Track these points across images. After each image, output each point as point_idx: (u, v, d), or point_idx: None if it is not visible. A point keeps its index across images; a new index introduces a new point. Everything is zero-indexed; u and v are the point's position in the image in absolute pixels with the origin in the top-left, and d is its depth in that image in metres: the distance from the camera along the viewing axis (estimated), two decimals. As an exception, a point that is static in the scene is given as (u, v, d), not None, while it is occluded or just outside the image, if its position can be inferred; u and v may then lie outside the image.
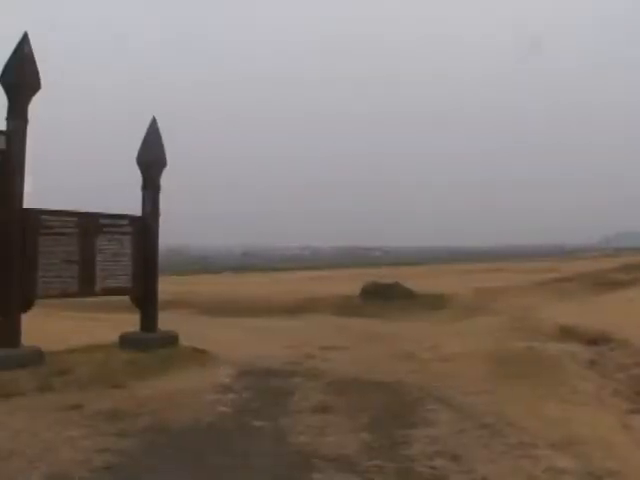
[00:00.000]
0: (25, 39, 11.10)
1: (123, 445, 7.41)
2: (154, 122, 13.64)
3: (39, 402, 9.15)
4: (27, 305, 11.19)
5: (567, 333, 15.93)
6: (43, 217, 11.53)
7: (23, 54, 11.09)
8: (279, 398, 9.95)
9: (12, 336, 10.86)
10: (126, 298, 13.48)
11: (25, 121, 11.14)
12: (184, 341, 13.25)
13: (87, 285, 12.18)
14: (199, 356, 12.74)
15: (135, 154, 13.60)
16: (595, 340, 14.73)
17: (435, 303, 23.48)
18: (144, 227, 13.24)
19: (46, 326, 13.69)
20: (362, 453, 7.29)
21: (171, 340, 13.10)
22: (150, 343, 12.69)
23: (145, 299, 13.26)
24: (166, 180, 13.65)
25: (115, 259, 12.65)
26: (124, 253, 12.81)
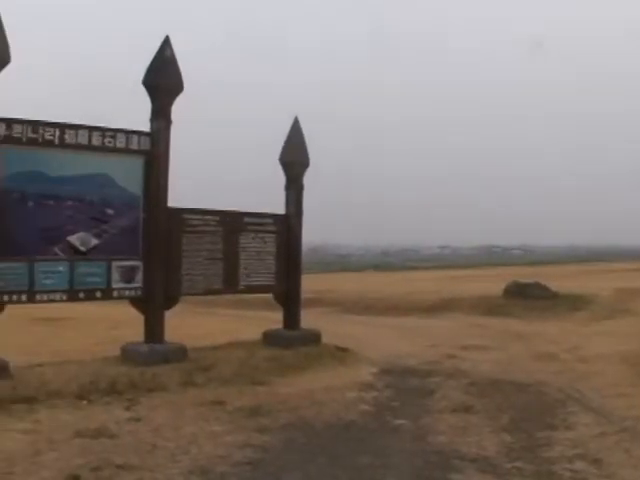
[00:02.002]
0: (167, 42, 11.39)
1: (264, 441, 7.49)
2: (296, 122, 13.73)
3: (182, 397, 9.37)
4: (172, 302, 11.51)
5: None
6: (187, 216, 11.83)
7: (165, 57, 11.38)
8: (419, 397, 9.89)
9: (156, 332, 11.19)
10: (262, 295, 13.65)
11: (169, 122, 11.43)
12: (326, 339, 13.33)
13: (231, 283, 12.44)
14: (341, 354, 12.77)
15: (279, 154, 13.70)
16: None
17: (576, 303, 22.85)
18: (287, 226, 13.37)
19: (186, 322, 13.98)
20: (502, 454, 7.14)
21: (313, 338, 13.19)
22: (293, 341, 12.82)
23: (288, 297, 13.37)
24: (308, 179, 13.76)
25: (259, 257, 12.85)
26: (268, 251, 12.98)
